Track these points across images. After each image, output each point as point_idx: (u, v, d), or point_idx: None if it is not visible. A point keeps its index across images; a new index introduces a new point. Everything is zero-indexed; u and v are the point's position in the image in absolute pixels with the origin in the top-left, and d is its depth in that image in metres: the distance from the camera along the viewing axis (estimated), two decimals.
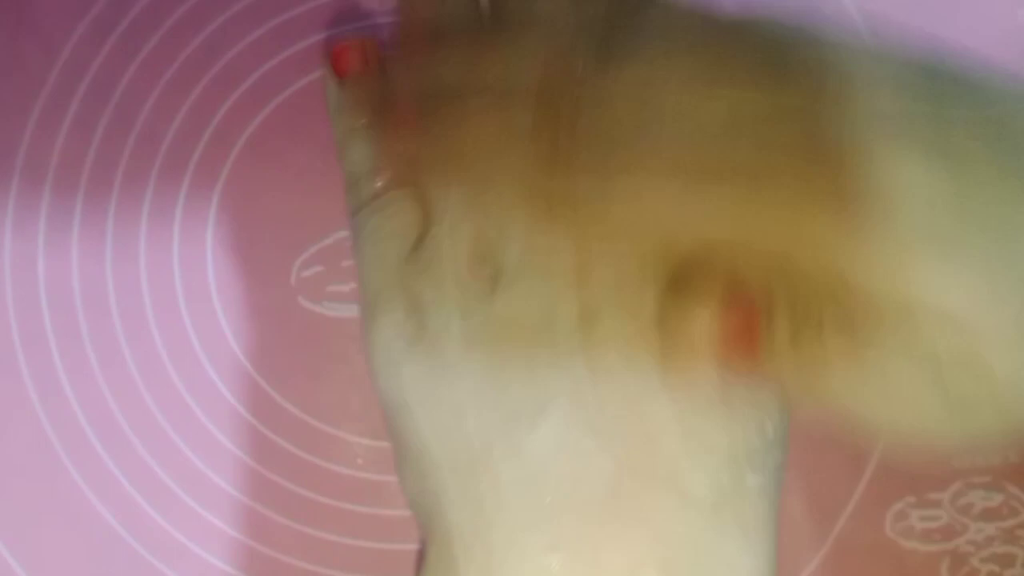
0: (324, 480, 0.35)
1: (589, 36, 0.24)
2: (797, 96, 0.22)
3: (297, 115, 0.36)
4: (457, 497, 0.25)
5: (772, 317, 0.23)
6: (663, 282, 0.24)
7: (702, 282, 0.24)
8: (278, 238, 0.36)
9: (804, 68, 0.23)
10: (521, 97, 0.25)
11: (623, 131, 0.23)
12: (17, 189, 0.36)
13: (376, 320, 0.28)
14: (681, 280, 0.24)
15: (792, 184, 0.22)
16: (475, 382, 0.25)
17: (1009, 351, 0.21)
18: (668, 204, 0.23)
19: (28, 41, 0.37)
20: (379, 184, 0.30)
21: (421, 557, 0.27)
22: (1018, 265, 0.21)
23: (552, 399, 0.24)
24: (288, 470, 0.35)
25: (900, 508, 0.36)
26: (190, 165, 0.36)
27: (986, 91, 0.24)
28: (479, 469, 0.24)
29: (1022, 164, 0.22)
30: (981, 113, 0.23)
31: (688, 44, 0.24)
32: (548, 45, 0.25)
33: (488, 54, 0.26)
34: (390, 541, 0.35)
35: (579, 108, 0.24)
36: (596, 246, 0.24)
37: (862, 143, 0.22)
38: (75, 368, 0.36)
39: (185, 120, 0.36)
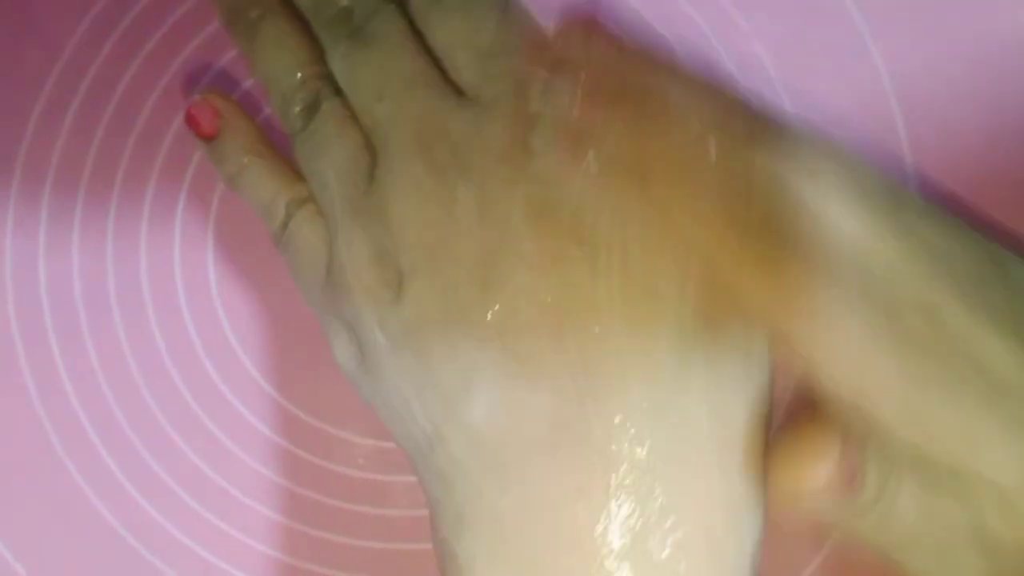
0: (326, 480, 0.35)
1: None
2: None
3: None
4: (426, 474, 0.27)
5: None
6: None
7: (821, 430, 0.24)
8: None
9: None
10: None
11: None
12: (18, 188, 0.36)
13: (332, 347, 0.30)
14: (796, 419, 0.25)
15: None
16: (411, 379, 0.27)
17: None
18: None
19: (29, 41, 0.37)
20: (282, 213, 0.31)
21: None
22: None
23: (476, 370, 0.25)
24: (290, 470, 0.35)
25: None
26: (191, 164, 0.36)
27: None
28: (436, 448, 0.26)
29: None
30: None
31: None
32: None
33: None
34: (392, 541, 0.35)
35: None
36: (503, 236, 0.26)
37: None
38: (76, 367, 0.36)
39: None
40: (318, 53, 0.31)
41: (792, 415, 0.25)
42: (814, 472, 0.24)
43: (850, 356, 0.23)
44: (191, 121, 0.33)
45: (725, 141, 0.24)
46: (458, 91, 0.29)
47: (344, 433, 0.35)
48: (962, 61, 0.37)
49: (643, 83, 0.25)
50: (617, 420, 0.24)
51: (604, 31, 0.26)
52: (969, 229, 0.25)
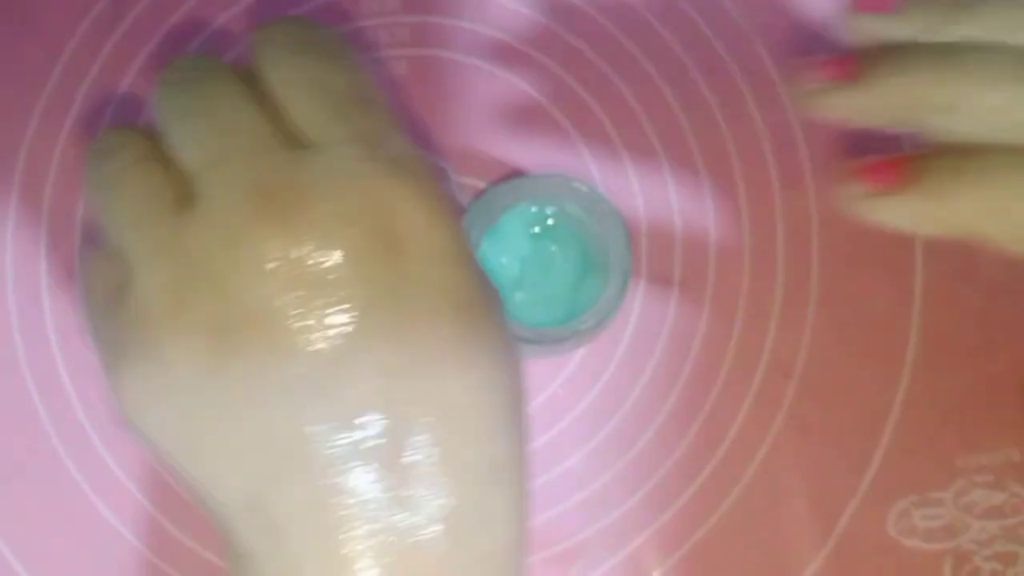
0: None
1: None
2: None
3: None
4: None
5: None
6: None
7: None
8: None
9: None
10: None
11: None
12: (19, 189, 0.36)
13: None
14: None
15: None
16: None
17: None
18: None
19: (29, 42, 0.37)
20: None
21: None
22: None
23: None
24: None
25: (903, 507, 0.36)
26: None
27: None
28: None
29: None
30: None
31: None
32: None
33: None
34: None
35: None
36: None
37: None
38: (76, 368, 0.36)
39: None
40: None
41: None
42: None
43: None
44: None
45: None
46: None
47: None
48: None
49: None
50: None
51: None
52: None
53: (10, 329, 0.36)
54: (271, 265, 0.24)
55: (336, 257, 0.24)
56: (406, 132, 0.27)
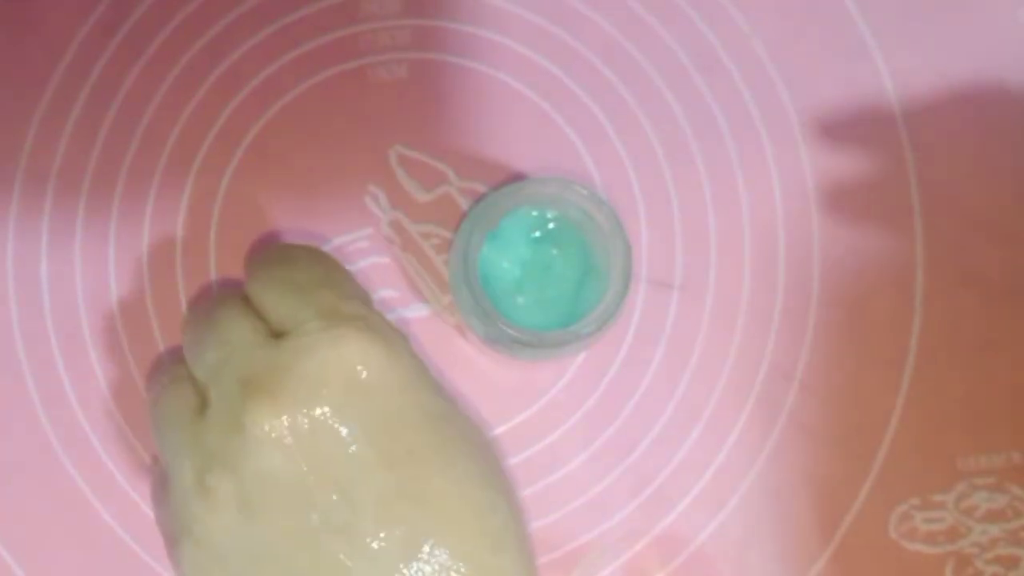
0: None
1: None
2: None
3: (301, 118, 0.36)
4: None
5: None
6: None
7: None
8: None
9: None
10: None
11: None
12: (20, 190, 0.36)
13: None
14: None
15: None
16: None
17: None
18: None
19: (32, 42, 0.37)
20: None
21: None
22: None
23: None
24: None
25: (904, 510, 0.36)
26: (193, 167, 0.36)
27: None
28: None
29: None
30: None
31: None
32: None
33: None
34: None
35: None
36: None
37: None
38: (76, 368, 0.36)
39: (189, 122, 0.36)
40: None
41: None
42: None
43: None
44: None
45: None
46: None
47: None
48: (962, 61, 0.37)
49: None
50: None
51: None
52: None
53: (11, 330, 0.36)
54: (269, 436, 0.28)
55: (322, 415, 0.28)
56: (365, 297, 0.32)
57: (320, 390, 0.28)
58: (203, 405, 0.30)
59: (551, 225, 0.34)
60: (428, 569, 0.28)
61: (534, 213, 0.34)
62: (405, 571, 0.28)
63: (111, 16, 0.37)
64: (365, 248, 0.36)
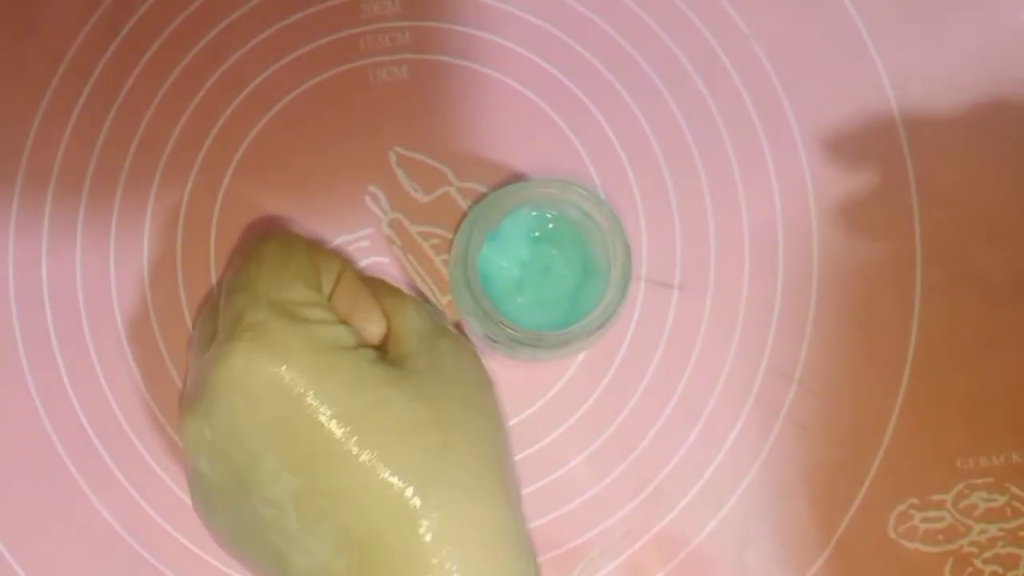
0: None
1: None
2: None
3: (301, 118, 0.36)
4: None
5: None
6: None
7: None
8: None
9: None
10: None
11: None
12: (21, 191, 0.36)
13: None
14: None
15: None
16: None
17: None
18: None
19: (32, 44, 0.37)
20: None
21: None
22: None
23: None
24: None
25: (903, 510, 0.36)
26: (193, 169, 0.36)
27: None
28: None
29: None
30: None
31: None
32: None
33: None
34: None
35: None
36: None
37: None
38: (77, 369, 0.36)
39: (189, 123, 0.36)
40: None
41: None
42: None
43: None
44: None
45: None
46: None
47: None
48: (962, 61, 0.37)
49: None
50: None
51: None
52: None
53: (12, 330, 0.36)
54: (190, 442, 0.30)
55: (221, 425, 0.29)
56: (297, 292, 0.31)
57: (218, 401, 0.29)
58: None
59: (551, 225, 0.34)
60: (358, 558, 0.28)
61: (534, 213, 0.34)
62: (337, 563, 0.28)
63: (111, 17, 0.37)
64: (365, 248, 0.36)
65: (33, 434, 0.35)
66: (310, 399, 0.29)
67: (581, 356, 0.36)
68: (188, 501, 0.35)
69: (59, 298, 0.36)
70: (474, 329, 0.33)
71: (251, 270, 0.31)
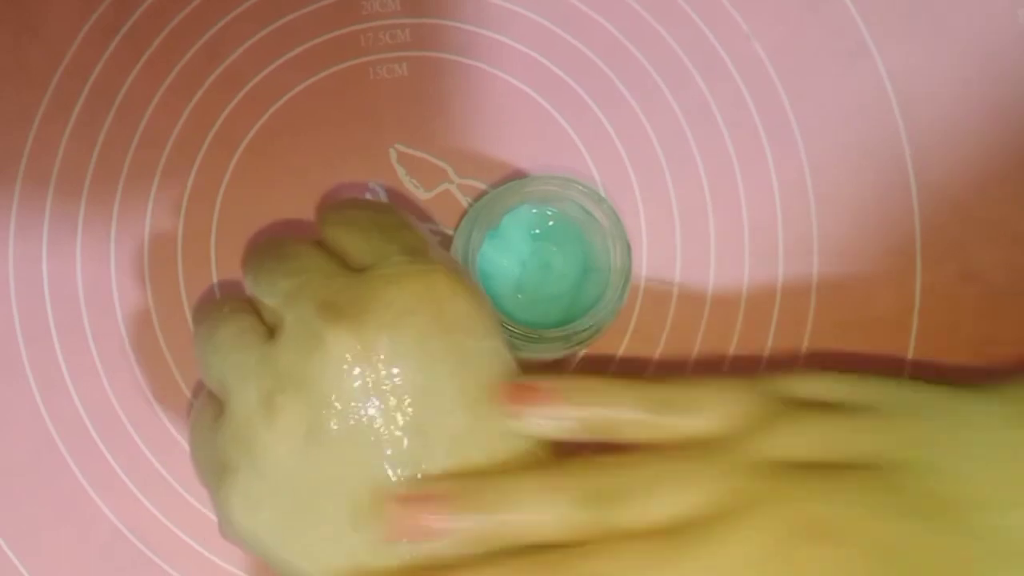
0: None
1: None
2: None
3: (299, 118, 0.37)
4: None
5: None
6: None
7: None
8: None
9: None
10: None
11: None
12: (21, 190, 0.36)
13: None
14: None
15: None
16: None
17: None
18: None
19: (31, 44, 0.37)
20: None
21: None
22: None
23: None
24: None
25: None
26: (193, 168, 0.36)
27: None
28: None
29: None
30: None
31: None
32: None
33: None
34: None
35: None
36: None
37: None
38: (78, 368, 0.36)
39: (189, 121, 0.37)
40: None
41: None
42: None
43: None
44: None
45: None
46: None
47: None
48: (962, 61, 0.37)
49: None
50: None
51: None
52: None
53: (13, 330, 0.36)
54: (349, 363, 0.27)
55: (404, 344, 0.28)
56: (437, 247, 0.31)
57: (406, 318, 0.28)
58: (271, 332, 0.29)
59: (551, 223, 0.34)
60: None
61: (534, 211, 0.34)
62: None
63: (111, 16, 0.37)
64: None
65: (35, 432, 0.35)
66: (499, 344, 0.29)
67: (581, 353, 0.36)
68: (190, 498, 0.35)
69: (60, 297, 0.36)
70: None
71: (400, 216, 0.32)
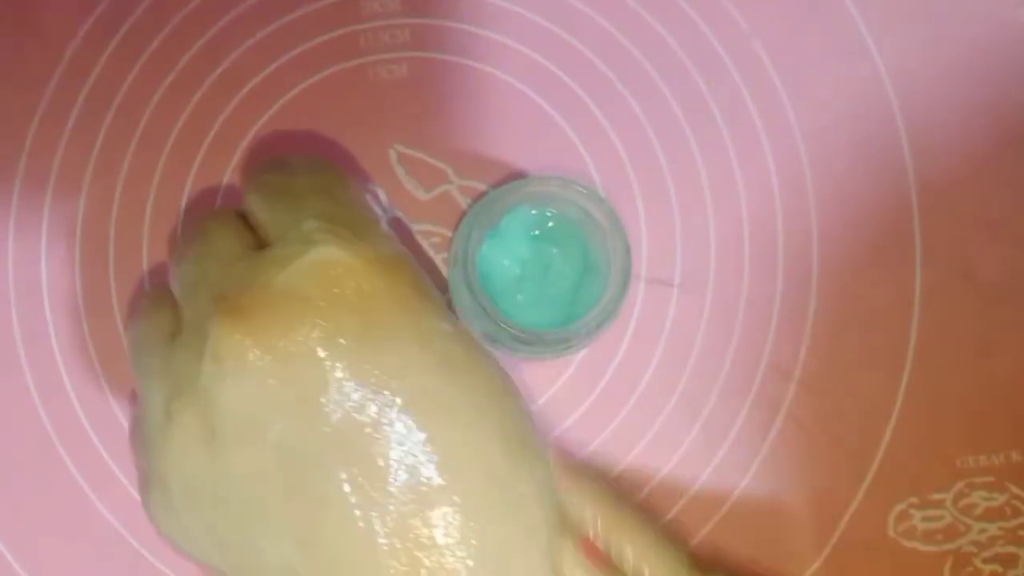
0: None
1: None
2: None
3: (300, 118, 0.37)
4: None
5: None
6: None
7: None
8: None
9: None
10: None
11: None
12: (20, 190, 0.36)
13: None
14: None
15: None
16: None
17: None
18: None
19: (31, 42, 0.37)
20: None
21: None
22: None
23: None
24: None
25: (903, 509, 0.36)
26: (193, 168, 0.36)
27: None
28: None
29: None
30: None
31: None
32: None
33: None
34: None
35: None
36: None
37: None
38: (77, 368, 0.36)
39: (188, 122, 0.36)
40: None
41: None
42: None
43: None
44: None
45: None
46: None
47: None
48: (962, 61, 0.37)
49: None
50: None
51: None
52: None
53: (11, 330, 0.36)
54: (239, 360, 0.25)
55: (300, 335, 0.25)
56: (368, 210, 0.29)
57: (300, 309, 0.25)
58: (178, 329, 0.27)
59: (550, 223, 0.34)
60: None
61: (533, 211, 0.34)
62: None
63: (111, 16, 0.37)
64: None
65: (33, 433, 0.35)
66: (418, 317, 0.27)
67: (580, 354, 0.36)
68: None
69: (58, 297, 0.36)
70: (474, 327, 0.33)
71: (321, 176, 0.29)
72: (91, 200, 0.36)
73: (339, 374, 0.25)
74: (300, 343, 0.25)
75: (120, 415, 0.35)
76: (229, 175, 0.36)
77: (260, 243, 0.27)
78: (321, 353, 0.25)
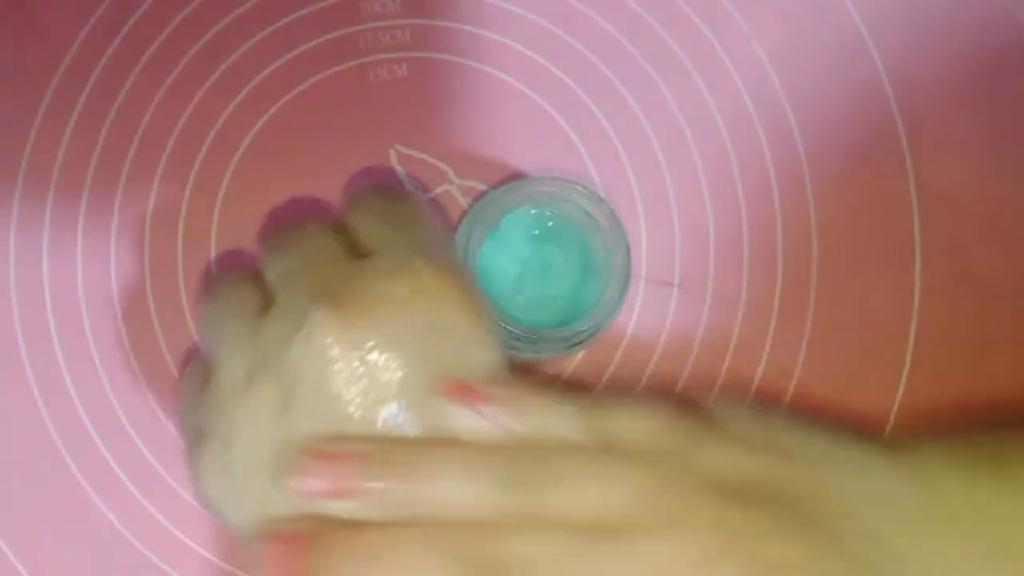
0: None
1: None
2: None
3: (300, 118, 0.37)
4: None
5: None
6: None
7: None
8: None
9: None
10: None
11: None
12: (22, 190, 0.36)
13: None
14: None
15: None
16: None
17: None
18: None
19: (32, 44, 0.37)
20: None
21: None
22: None
23: None
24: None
25: None
26: (193, 168, 0.36)
27: None
28: None
29: None
30: None
31: None
32: None
33: None
34: None
35: None
36: None
37: None
38: (79, 368, 0.36)
39: (188, 123, 0.37)
40: None
41: None
42: None
43: None
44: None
45: None
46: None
47: None
48: (962, 61, 0.37)
49: None
50: None
51: None
52: None
53: (13, 329, 0.36)
54: (328, 345, 0.28)
55: (387, 337, 0.28)
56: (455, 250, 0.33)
57: (392, 311, 0.28)
58: (267, 307, 0.30)
59: (551, 223, 0.34)
60: None
61: (533, 211, 0.34)
62: None
63: (111, 17, 0.37)
64: None
65: (35, 433, 0.35)
66: (482, 353, 0.29)
67: (581, 354, 0.36)
68: (189, 499, 0.35)
69: (60, 297, 0.36)
70: None
71: (425, 212, 0.32)
72: (93, 199, 0.36)
73: (409, 380, 0.28)
74: (382, 346, 0.28)
75: (122, 414, 0.35)
76: (231, 174, 0.36)
77: (352, 250, 0.30)
78: (400, 357, 0.28)
